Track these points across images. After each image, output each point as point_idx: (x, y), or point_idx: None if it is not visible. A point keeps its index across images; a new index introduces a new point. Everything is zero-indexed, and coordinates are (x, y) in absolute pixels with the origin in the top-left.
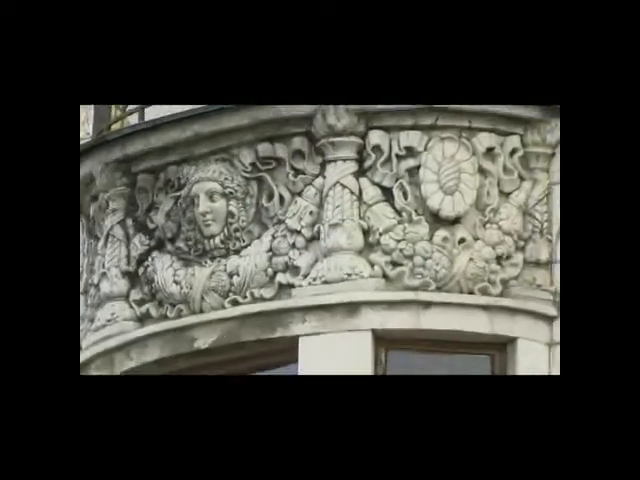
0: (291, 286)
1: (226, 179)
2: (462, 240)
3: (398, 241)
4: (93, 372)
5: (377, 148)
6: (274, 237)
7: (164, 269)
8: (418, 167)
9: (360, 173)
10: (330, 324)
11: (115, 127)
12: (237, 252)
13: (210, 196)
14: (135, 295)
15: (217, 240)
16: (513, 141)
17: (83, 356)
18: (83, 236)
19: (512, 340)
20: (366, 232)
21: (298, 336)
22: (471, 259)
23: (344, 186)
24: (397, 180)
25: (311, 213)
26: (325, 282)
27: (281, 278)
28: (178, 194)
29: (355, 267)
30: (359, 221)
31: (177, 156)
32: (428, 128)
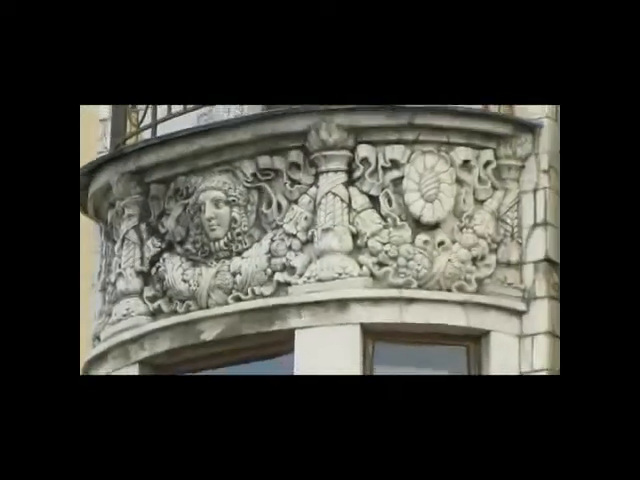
0: (288, 284)
1: (229, 188)
2: (441, 243)
3: (384, 244)
4: (110, 361)
5: (365, 160)
6: (273, 240)
7: (174, 269)
8: (402, 178)
9: (350, 183)
10: (323, 318)
11: (130, 142)
12: (239, 254)
13: (215, 203)
14: (148, 292)
15: (221, 243)
16: (487, 154)
17: (101, 347)
18: (101, 239)
19: (486, 333)
20: (355, 236)
21: (294, 329)
22: (449, 260)
23: (335, 195)
24: (383, 189)
25: (306, 219)
26: (318, 280)
27: (279, 277)
28: (186, 202)
29: (345, 267)
30: (349, 226)
31: (185, 168)
32: (411, 143)
